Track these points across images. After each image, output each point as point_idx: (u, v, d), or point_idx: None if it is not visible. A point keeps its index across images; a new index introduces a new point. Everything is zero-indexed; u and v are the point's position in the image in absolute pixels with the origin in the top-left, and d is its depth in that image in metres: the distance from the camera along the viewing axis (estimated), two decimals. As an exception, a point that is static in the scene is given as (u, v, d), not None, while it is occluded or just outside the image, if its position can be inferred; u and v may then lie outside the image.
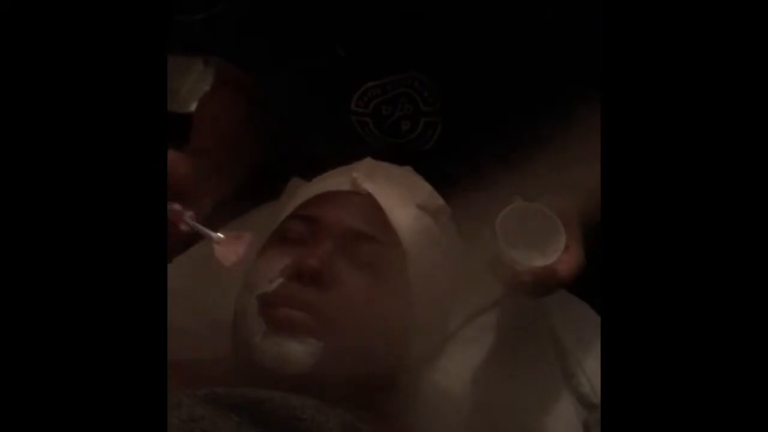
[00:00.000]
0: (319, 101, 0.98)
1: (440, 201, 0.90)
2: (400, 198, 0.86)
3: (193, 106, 1.14)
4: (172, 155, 0.79)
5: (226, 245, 0.80)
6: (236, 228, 1.03)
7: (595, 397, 0.92)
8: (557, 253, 0.76)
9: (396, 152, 0.95)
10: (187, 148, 0.92)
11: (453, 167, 0.93)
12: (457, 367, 0.90)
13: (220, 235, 0.80)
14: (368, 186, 0.85)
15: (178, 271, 0.85)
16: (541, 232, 0.77)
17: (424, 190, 0.89)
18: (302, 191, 0.90)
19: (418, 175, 0.92)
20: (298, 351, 0.76)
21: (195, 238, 0.83)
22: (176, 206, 0.78)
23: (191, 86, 1.35)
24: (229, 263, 0.79)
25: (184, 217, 0.79)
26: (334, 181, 0.88)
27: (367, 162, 0.90)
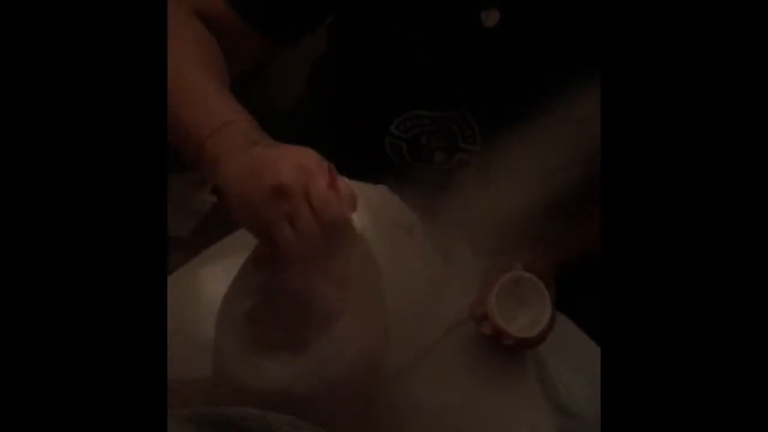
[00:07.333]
0: (360, 116, 1.00)
1: (414, 218, 0.92)
2: (374, 216, 0.88)
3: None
4: None
5: None
6: (222, 248, 1.06)
7: (575, 406, 0.94)
8: (541, 326, 0.84)
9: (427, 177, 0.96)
10: None
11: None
12: (434, 380, 0.91)
13: None
14: None
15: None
16: (529, 300, 0.87)
17: (399, 208, 0.92)
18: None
19: (394, 194, 0.93)
20: (275, 369, 0.77)
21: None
22: None
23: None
24: None
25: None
26: (310, 201, 0.90)
27: (342, 182, 0.92)
